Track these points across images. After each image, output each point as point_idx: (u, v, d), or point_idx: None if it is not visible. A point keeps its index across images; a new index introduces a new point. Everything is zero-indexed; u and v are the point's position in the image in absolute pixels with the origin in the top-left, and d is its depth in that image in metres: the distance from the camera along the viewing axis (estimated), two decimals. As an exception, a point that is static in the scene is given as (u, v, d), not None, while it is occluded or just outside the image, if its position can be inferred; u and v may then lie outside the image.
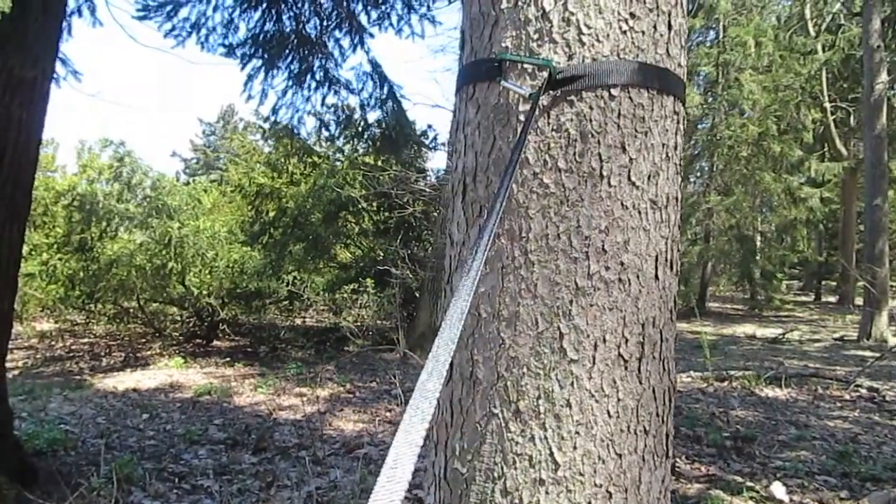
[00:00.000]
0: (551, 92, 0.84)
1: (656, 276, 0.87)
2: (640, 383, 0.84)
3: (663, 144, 0.88)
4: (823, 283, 25.31)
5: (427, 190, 9.13)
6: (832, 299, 23.09)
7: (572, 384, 0.81)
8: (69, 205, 9.52)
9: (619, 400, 0.82)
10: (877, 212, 12.10)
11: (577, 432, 0.81)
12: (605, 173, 0.83)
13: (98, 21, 4.71)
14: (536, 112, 0.83)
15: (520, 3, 0.87)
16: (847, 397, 7.01)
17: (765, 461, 4.04)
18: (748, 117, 16.04)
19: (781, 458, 4.10)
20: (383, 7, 5.30)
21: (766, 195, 18.78)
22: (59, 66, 4.76)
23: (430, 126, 10.88)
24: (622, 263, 0.83)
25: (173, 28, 4.89)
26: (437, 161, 13.08)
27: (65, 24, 4.65)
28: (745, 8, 16.69)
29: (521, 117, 0.85)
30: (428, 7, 5.43)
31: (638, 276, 0.84)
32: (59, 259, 9.25)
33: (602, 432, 0.81)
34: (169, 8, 4.77)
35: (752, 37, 14.89)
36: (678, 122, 0.91)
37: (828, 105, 18.87)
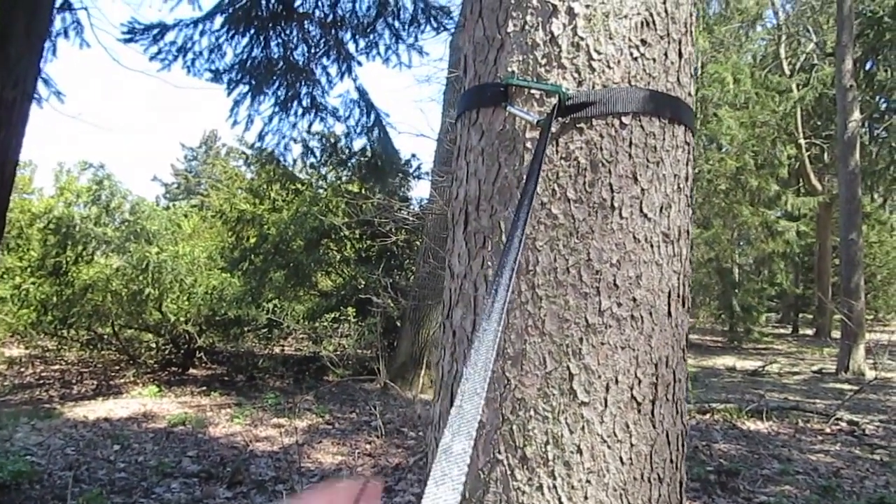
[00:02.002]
0: (560, 119, 0.81)
1: (669, 313, 0.82)
2: (654, 427, 0.79)
3: (675, 175, 0.85)
4: (800, 315, 25.59)
5: (410, 219, 9.10)
6: (809, 332, 23.33)
7: (583, 428, 0.76)
8: (45, 228, 9.33)
9: (632, 445, 0.77)
10: (852, 246, 12.28)
11: (588, 481, 0.75)
12: (616, 204, 0.79)
13: (85, 42, 4.67)
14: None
15: (527, 27, 0.84)
16: (828, 431, 7.02)
17: (749, 496, 3.99)
18: (726, 152, 16.35)
19: (766, 492, 4.05)
20: (371, 36, 5.33)
21: (743, 228, 19.08)
22: (41, 86, 4.68)
23: (414, 155, 10.90)
24: (634, 299, 0.79)
25: (159, 51, 4.85)
26: (420, 190, 13.12)
27: (49, 44, 4.59)
28: (722, 46, 17.13)
29: (529, 144, 0.82)
30: (415, 37, 5.47)
31: (651, 313, 0.80)
32: (33, 283, 9.02)
33: (614, 481, 0.76)
34: (155, 31, 4.74)
35: (731, 74, 15.24)
36: (689, 153, 0.88)
37: (802, 141, 19.32)
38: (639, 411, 0.78)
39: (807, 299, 24.29)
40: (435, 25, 5.77)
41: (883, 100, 17.53)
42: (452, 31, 7.36)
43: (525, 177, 0.81)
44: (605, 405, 0.77)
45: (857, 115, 12.65)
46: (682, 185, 0.86)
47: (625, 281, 0.79)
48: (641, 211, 0.81)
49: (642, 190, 0.81)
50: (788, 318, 25.89)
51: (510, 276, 0.64)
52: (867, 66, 16.40)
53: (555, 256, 0.79)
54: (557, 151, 0.81)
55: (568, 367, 0.77)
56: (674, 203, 0.84)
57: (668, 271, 0.83)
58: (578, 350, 0.77)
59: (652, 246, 0.81)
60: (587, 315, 0.77)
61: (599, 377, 0.77)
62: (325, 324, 9.71)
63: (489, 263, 0.83)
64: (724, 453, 5.49)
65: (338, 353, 9.14)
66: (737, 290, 18.29)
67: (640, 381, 0.79)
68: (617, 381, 0.77)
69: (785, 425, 7.20)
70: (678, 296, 0.84)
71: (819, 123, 20.80)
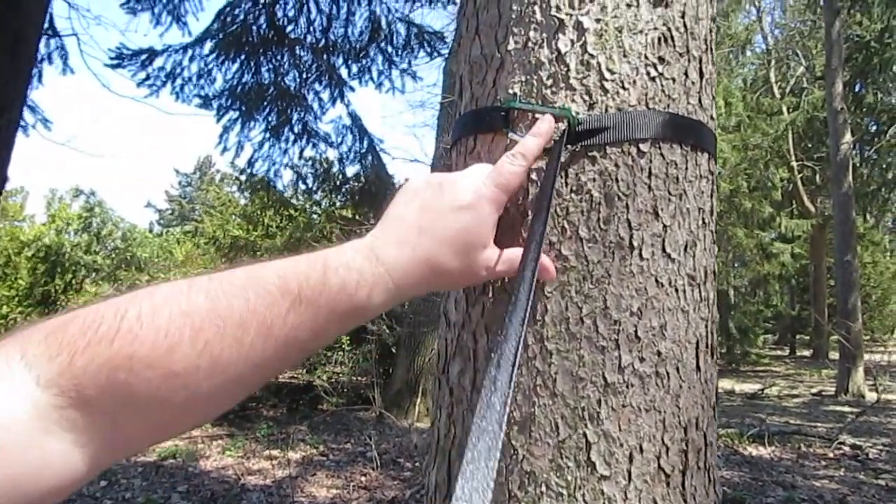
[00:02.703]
0: (569, 147, 0.71)
1: (697, 367, 0.72)
2: (686, 502, 0.68)
3: (699, 209, 0.75)
4: (797, 337, 25.53)
5: (405, 244, 8.98)
6: (807, 353, 23.24)
7: (603, 507, 0.65)
8: (34, 256, 9.21)
9: (660, 527, 0.66)
10: (848, 268, 12.26)
11: (611, 570, 0.64)
12: (635, 243, 0.69)
13: (69, 69, 4.59)
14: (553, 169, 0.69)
15: (530, 44, 0.75)
16: (831, 455, 6.90)
17: (756, 526, 3.87)
18: (720, 174, 16.41)
19: (773, 522, 3.93)
20: (364, 61, 5.28)
21: (738, 250, 19.09)
22: (27, 113, 4.60)
23: (408, 180, 10.83)
24: (659, 353, 0.68)
25: (147, 77, 4.78)
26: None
27: (35, 71, 4.51)
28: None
29: (534, 176, 0.72)
30: (409, 62, 5.44)
31: (678, 369, 0.69)
32: (20, 312, 8.87)
33: (641, 569, 0.65)
34: (143, 57, 4.67)
35: (723, 97, 15.34)
36: (713, 184, 0.78)
37: (794, 164, 19.44)
38: (668, 484, 0.67)
39: (803, 320, 24.25)
40: (428, 50, 5.75)
41: (872, 122, 17.69)
42: (446, 56, 7.35)
43: (530, 212, 0.71)
44: (629, 479, 0.66)
45: (848, 137, 12.71)
46: (707, 220, 0.76)
47: (647, 332, 0.68)
48: (664, 251, 0.70)
49: (664, 227, 0.71)
50: (785, 339, 25.82)
51: (521, 328, 0.54)
52: (856, 89, 16.56)
53: (566, 304, 0.68)
54: (567, 183, 0.71)
55: (584, 434, 0.66)
56: (699, 241, 0.74)
57: (695, 319, 0.72)
58: (596, 414, 0.66)
59: (677, 290, 0.71)
60: (605, 372, 0.67)
61: (621, 445, 0.66)
62: (319, 352, 9.56)
63: (490, 312, 0.72)
64: (728, 480, 5.35)
65: (332, 381, 8.98)
66: (733, 313, 18.23)
67: (667, 449, 0.68)
68: (641, 450, 0.66)
69: (787, 450, 7.08)
70: (706, 346, 0.74)
71: (810, 146, 20.97)
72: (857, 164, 16.46)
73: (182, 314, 0.49)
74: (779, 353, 24.11)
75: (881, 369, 13.24)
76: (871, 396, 10.95)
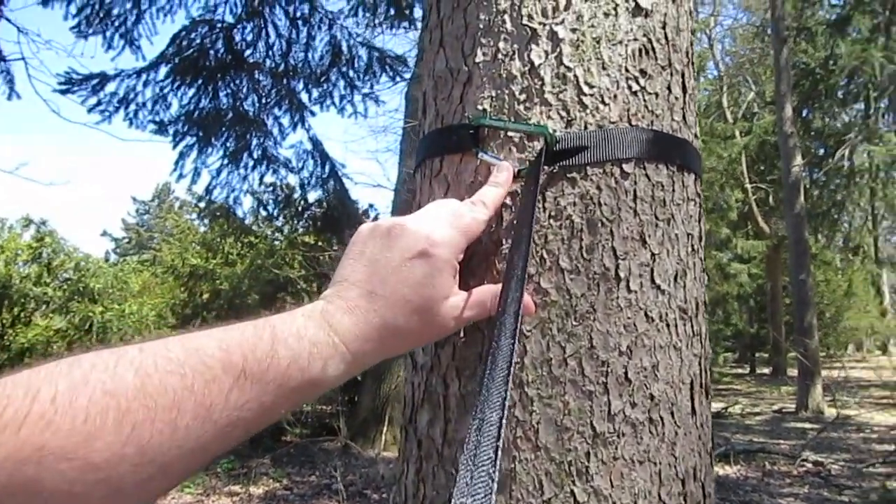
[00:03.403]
0: (546, 168, 0.64)
1: (693, 410, 0.65)
2: (685, 566, 0.61)
3: (688, 234, 0.69)
4: (757, 354, 26.02)
5: (369, 270, 8.89)
6: (766, 371, 23.67)
7: (596, 578, 0.57)
8: (-22, 289, 8.80)
9: None
10: (803, 286, 12.55)
11: None
12: (622, 274, 0.62)
13: (16, 94, 4.41)
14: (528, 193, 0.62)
15: (500, 56, 0.68)
16: (795, 473, 6.99)
17: (727, 548, 3.84)
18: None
19: (743, 544, 3.91)
20: (325, 86, 5.21)
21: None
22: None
23: (371, 205, 10.79)
24: (652, 396, 0.61)
25: (99, 103, 4.62)
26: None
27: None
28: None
29: (508, 200, 0.64)
30: (371, 87, 5.39)
31: (672, 413, 0.62)
32: (-35, 348, 8.46)
33: None
34: (95, 82, 4.51)
35: (679, 122, 15.71)
36: (700, 207, 0.72)
37: (749, 186, 19.98)
38: (665, 546, 0.59)
39: (762, 339, 24.74)
40: (391, 74, 5.72)
41: (820, 146, 18.32)
42: (408, 80, 7.34)
43: (505, 241, 0.63)
44: (623, 542, 0.58)
45: (798, 160, 13.12)
46: (696, 247, 0.70)
47: (638, 373, 0.61)
48: (653, 281, 0.63)
49: (652, 255, 0.64)
50: (745, 357, 26.28)
51: (504, 386, 0.46)
52: (804, 114, 17.16)
53: (547, 344, 0.61)
54: (545, 208, 0.64)
55: (572, 493, 0.58)
56: (689, 269, 0.68)
57: (688, 356, 0.65)
58: (585, 468, 0.58)
59: (668, 325, 0.64)
60: (594, 421, 0.59)
61: (614, 503, 0.58)
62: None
63: (462, 354, 0.64)
64: None
65: (296, 411, 8.74)
66: (695, 332, 18.47)
67: (664, 505, 0.60)
68: (636, 508, 0.59)
69: (752, 468, 7.14)
70: (701, 385, 0.67)
71: (763, 168, 21.62)
72: (808, 186, 16.99)
73: (106, 394, 0.42)
74: (740, 371, 24.51)
75: (838, 385, 13.54)
76: (830, 412, 11.15)
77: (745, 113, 21.35)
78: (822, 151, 18.13)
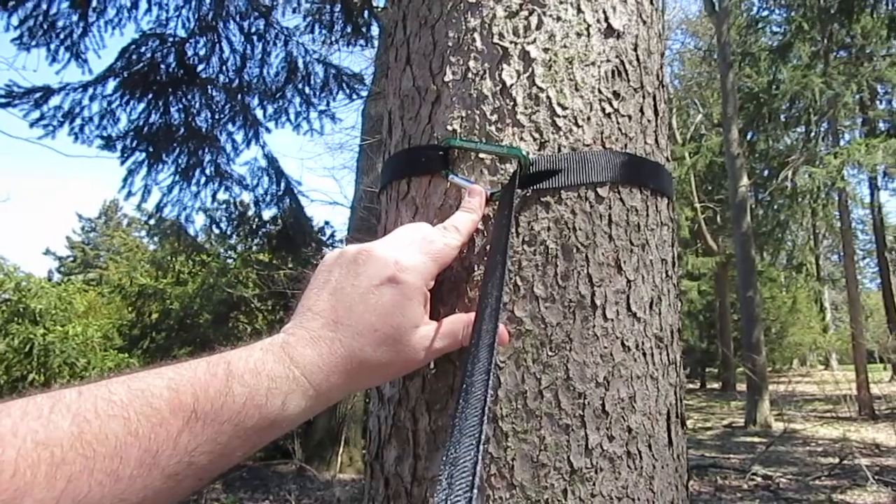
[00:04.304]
0: (519, 191, 0.61)
1: (669, 442, 0.63)
2: None
3: (662, 260, 0.67)
4: (707, 370, 26.62)
5: (325, 288, 8.78)
6: (716, 385, 24.24)
7: None
8: None
9: None
10: (750, 303, 12.91)
11: None
12: (598, 301, 0.60)
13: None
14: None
15: (470, 75, 0.66)
16: (745, 487, 7.14)
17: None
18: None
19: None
20: (280, 102, 5.14)
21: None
22: None
23: (327, 223, 10.71)
24: (629, 429, 0.59)
25: (42, 117, 4.44)
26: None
27: None
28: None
29: (480, 224, 0.62)
30: (327, 104, 5.34)
31: (650, 446, 0.60)
32: None
33: None
34: (38, 95, 4.33)
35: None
36: (674, 232, 0.71)
37: (698, 205, 20.56)
38: (645, 587, 0.57)
39: (712, 354, 25.34)
40: (348, 92, 5.68)
41: (765, 167, 18.99)
42: (365, 98, 7.31)
43: (477, 268, 0.61)
44: (602, 585, 0.55)
45: (745, 180, 13.56)
46: (670, 273, 0.68)
47: (616, 405, 0.59)
48: (629, 309, 0.61)
49: (628, 281, 0.62)
50: (696, 373, 26.86)
51: (479, 428, 0.42)
52: (749, 136, 17.79)
53: (522, 376, 0.58)
54: (519, 234, 0.61)
55: (550, 534, 0.55)
56: (664, 296, 0.66)
57: (664, 385, 0.64)
58: (562, 507, 0.55)
59: (644, 354, 0.62)
60: (570, 456, 0.56)
61: (592, 544, 0.55)
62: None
63: (432, 386, 0.61)
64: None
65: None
66: (648, 349, 18.82)
67: (643, 544, 0.58)
68: (615, 548, 0.56)
69: (705, 483, 7.27)
70: (677, 415, 0.65)
71: (710, 188, 22.32)
72: (753, 206, 17.58)
73: (38, 445, 0.38)
74: (691, 386, 25.03)
75: (785, 400, 13.95)
76: (777, 426, 11.46)
77: (694, 134, 22.05)
78: (766, 172, 18.80)
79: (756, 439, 10.98)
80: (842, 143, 16.64)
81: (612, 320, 0.60)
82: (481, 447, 0.42)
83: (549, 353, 0.58)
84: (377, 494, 0.63)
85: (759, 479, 7.41)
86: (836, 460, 7.83)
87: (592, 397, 0.58)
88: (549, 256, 0.60)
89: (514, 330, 0.59)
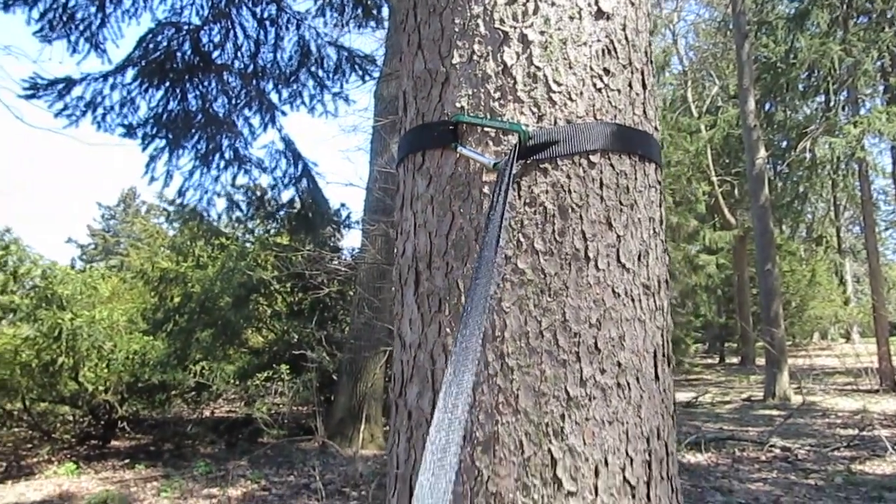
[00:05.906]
0: (520, 160, 0.70)
1: (656, 376, 0.72)
2: (652, 515, 0.67)
3: (650, 218, 0.75)
4: (726, 345, 26.52)
5: (342, 269, 8.90)
6: (735, 360, 24.17)
7: (572, 525, 0.63)
8: (-60, 299, 8.60)
9: (630, 541, 0.65)
10: (769, 277, 12.83)
11: (583, 590, 0.62)
12: (591, 254, 0.69)
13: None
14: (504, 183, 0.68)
15: (475, 58, 0.74)
16: (763, 458, 7.18)
17: (700, 533, 3.95)
18: (647, 191, 16.95)
19: (715, 528, 4.04)
20: (294, 86, 5.21)
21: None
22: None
23: (343, 204, 10.79)
24: (619, 364, 0.68)
25: (65, 107, 4.56)
26: (351, 240, 12.98)
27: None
28: (636, 91, 17.99)
29: (486, 189, 0.70)
30: (340, 86, 5.40)
31: (638, 379, 0.69)
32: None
33: (614, 587, 0.63)
34: (61, 86, 4.45)
35: (646, 117, 15.93)
36: (661, 193, 0.79)
37: (714, 178, 20.35)
38: (633, 496, 0.66)
39: (730, 329, 25.22)
40: (360, 73, 5.72)
41: (783, 138, 18.72)
42: (377, 79, 7.36)
43: (484, 227, 0.69)
44: (596, 493, 0.64)
45: (762, 152, 13.41)
46: (657, 230, 0.77)
47: (607, 343, 0.67)
48: (619, 261, 0.70)
49: (618, 237, 0.71)
50: (715, 347, 26.78)
51: (477, 343, 0.52)
52: (766, 108, 17.53)
53: (525, 319, 0.67)
54: (520, 196, 0.70)
55: (549, 451, 0.64)
56: (651, 250, 0.74)
57: (651, 328, 0.72)
58: (560, 429, 0.65)
59: (633, 300, 0.71)
60: (567, 386, 0.65)
61: (587, 460, 0.65)
62: (258, 383, 9.25)
63: (447, 330, 0.70)
64: (670, 490, 5.43)
65: (272, 412, 8.69)
66: (666, 324, 18.77)
67: (631, 461, 0.67)
68: (607, 463, 0.65)
69: (723, 455, 7.32)
70: (663, 355, 0.74)
71: (728, 161, 22.02)
72: (772, 178, 17.38)
73: None
74: (709, 361, 24.98)
75: (804, 373, 13.91)
76: (796, 399, 11.46)
77: (710, 107, 21.75)
78: (784, 144, 18.53)
79: (775, 412, 10.99)
80: (862, 111, 16.33)
81: (604, 270, 0.69)
82: (479, 356, 0.51)
83: (549, 299, 0.67)
84: (401, 426, 0.73)
85: (777, 450, 7.45)
86: (856, 431, 7.84)
87: (586, 336, 0.67)
88: (548, 216, 0.69)
89: (518, 279, 0.68)
